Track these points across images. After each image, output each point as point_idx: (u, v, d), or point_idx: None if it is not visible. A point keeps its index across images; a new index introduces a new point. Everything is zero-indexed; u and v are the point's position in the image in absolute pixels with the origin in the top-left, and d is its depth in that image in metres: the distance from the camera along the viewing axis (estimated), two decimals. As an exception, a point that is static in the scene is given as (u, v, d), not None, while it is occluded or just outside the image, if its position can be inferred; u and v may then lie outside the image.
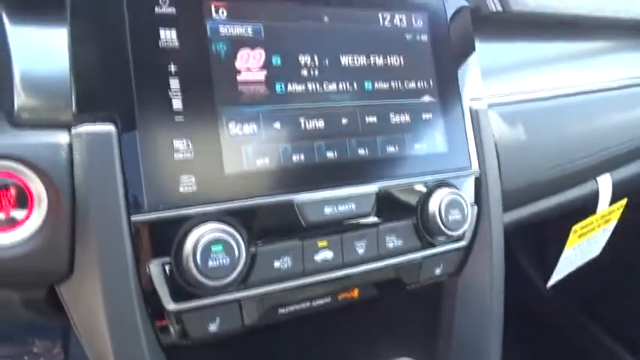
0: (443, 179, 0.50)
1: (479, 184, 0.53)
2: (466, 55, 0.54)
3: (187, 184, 0.39)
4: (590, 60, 0.70)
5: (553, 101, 0.62)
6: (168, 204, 0.38)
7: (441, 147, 0.51)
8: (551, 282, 0.77)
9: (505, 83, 0.60)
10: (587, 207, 0.73)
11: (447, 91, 0.52)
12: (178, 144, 0.39)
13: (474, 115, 0.53)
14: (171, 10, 0.40)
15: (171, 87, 0.39)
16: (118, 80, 0.38)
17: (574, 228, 0.72)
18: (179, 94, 0.39)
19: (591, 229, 0.75)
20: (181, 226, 0.38)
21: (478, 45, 0.55)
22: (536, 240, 0.99)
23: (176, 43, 0.40)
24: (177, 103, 0.39)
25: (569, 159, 0.62)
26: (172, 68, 0.39)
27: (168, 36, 0.39)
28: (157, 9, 0.39)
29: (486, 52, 0.57)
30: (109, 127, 0.37)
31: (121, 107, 0.38)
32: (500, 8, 0.58)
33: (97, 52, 0.38)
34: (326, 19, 0.46)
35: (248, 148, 0.41)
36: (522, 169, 0.58)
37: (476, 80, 0.54)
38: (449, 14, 0.53)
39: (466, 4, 0.56)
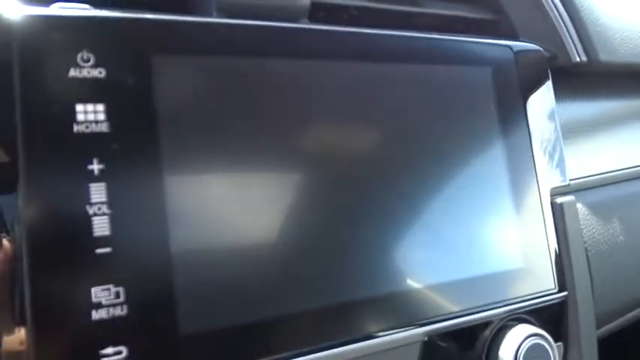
0: (517, 310, 0.34)
1: (564, 313, 0.37)
2: (545, 125, 0.38)
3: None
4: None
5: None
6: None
7: (513, 261, 0.35)
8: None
9: (589, 156, 0.44)
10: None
11: (521, 179, 0.36)
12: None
13: (558, 212, 0.37)
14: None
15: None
16: None
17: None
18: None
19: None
20: None
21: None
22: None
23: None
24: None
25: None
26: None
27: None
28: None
29: (561, 115, 0.42)
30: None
31: None
32: (584, 58, 0.43)
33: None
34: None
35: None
36: (620, 282, 0.42)
37: (559, 161, 0.39)
38: (520, 67, 0.38)
39: (542, 50, 0.40)
